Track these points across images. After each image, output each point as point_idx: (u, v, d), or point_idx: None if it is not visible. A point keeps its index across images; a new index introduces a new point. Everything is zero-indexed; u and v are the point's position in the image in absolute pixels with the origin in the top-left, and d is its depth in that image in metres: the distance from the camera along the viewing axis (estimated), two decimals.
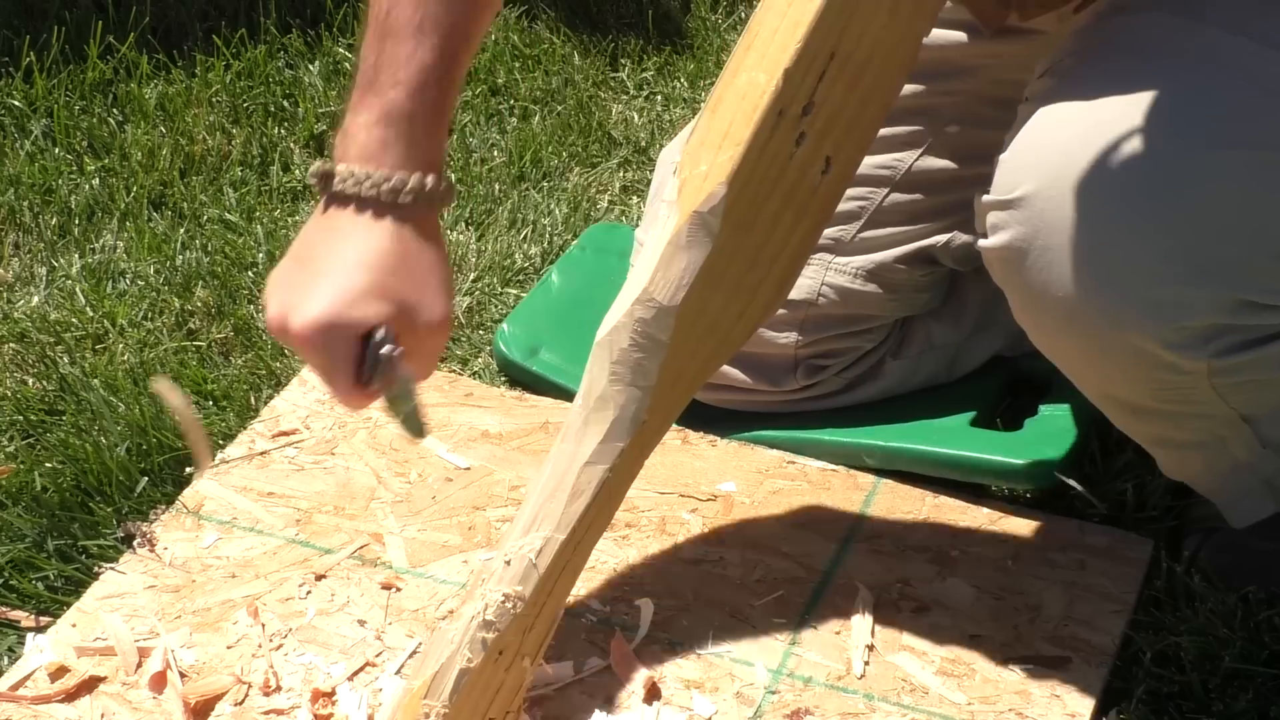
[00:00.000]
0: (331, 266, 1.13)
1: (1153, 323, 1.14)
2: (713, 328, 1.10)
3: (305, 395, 1.54)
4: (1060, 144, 1.14)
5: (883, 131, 1.43)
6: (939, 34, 1.42)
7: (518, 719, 1.14)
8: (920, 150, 1.45)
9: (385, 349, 1.13)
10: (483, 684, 1.09)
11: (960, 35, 1.42)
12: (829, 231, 1.44)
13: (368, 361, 1.14)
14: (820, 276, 1.45)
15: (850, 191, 1.44)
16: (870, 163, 1.44)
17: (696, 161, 1.06)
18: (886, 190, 1.45)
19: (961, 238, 1.45)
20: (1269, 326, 1.16)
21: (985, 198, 1.18)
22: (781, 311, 1.44)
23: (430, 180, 1.14)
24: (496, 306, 1.70)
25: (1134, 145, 1.12)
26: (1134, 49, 1.17)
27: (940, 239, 1.45)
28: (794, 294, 1.44)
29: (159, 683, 1.26)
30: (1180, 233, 1.11)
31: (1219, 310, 1.14)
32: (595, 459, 1.08)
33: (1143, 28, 1.18)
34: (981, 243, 1.20)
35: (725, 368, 1.47)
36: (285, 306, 1.14)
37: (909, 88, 1.43)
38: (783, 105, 1.04)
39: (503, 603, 1.08)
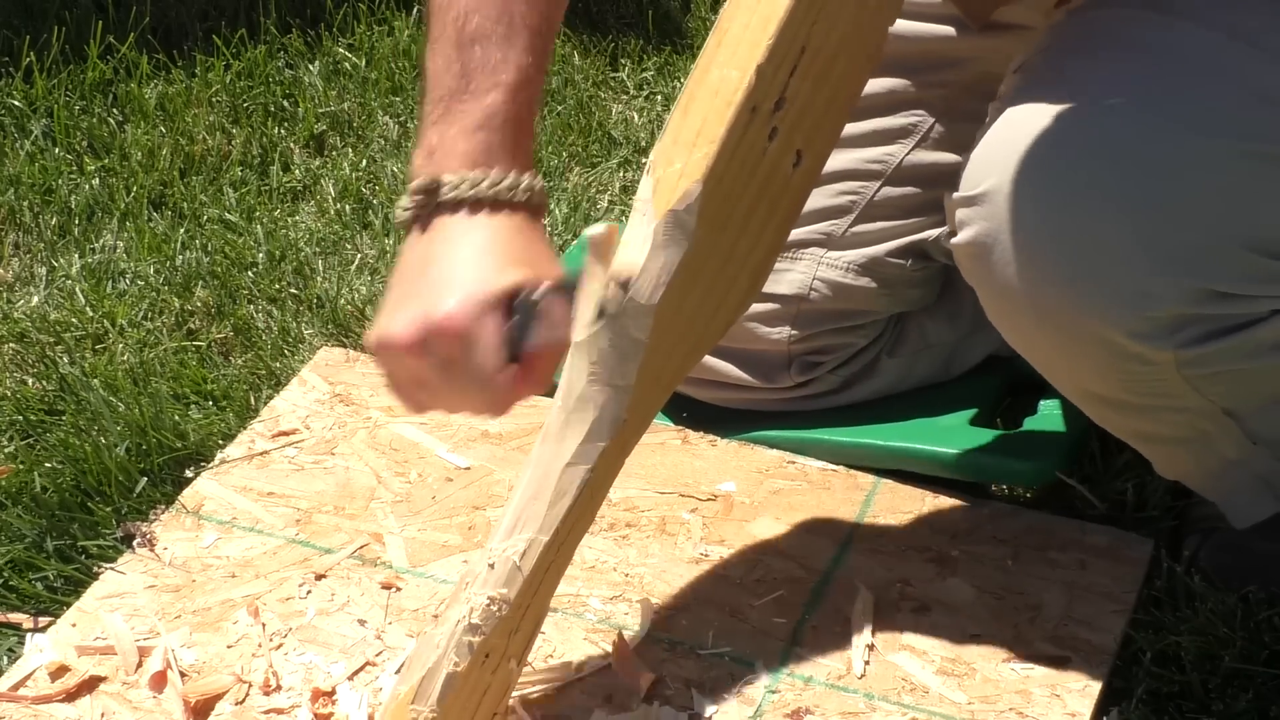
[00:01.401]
0: (457, 263, 1.08)
1: (1117, 313, 1.13)
2: (690, 325, 1.10)
3: (305, 395, 1.54)
4: (1023, 138, 1.14)
5: (874, 125, 1.44)
6: (926, 28, 1.42)
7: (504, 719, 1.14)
8: (911, 143, 1.45)
9: (538, 291, 1.08)
10: (470, 687, 1.09)
11: (948, 29, 1.43)
12: (821, 226, 1.44)
13: (518, 320, 1.09)
14: (812, 271, 1.45)
15: (842, 186, 1.44)
16: (862, 156, 1.44)
17: (670, 160, 1.05)
18: (878, 184, 1.45)
19: None
20: (1235, 316, 1.16)
21: (953, 195, 1.19)
22: (775, 306, 1.44)
23: (538, 181, 1.12)
24: None
25: (1096, 137, 1.12)
26: (1101, 43, 1.17)
27: (932, 233, 1.46)
28: (786, 289, 1.44)
29: (159, 682, 1.26)
30: (1143, 222, 1.11)
31: (1184, 300, 1.13)
32: (577, 460, 1.08)
33: (1111, 22, 1.18)
34: (952, 241, 1.20)
35: (720, 364, 1.47)
36: (420, 309, 1.08)
37: (899, 81, 1.43)
38: (755, 102, 1.04)
39: (488, 606, 1.07)
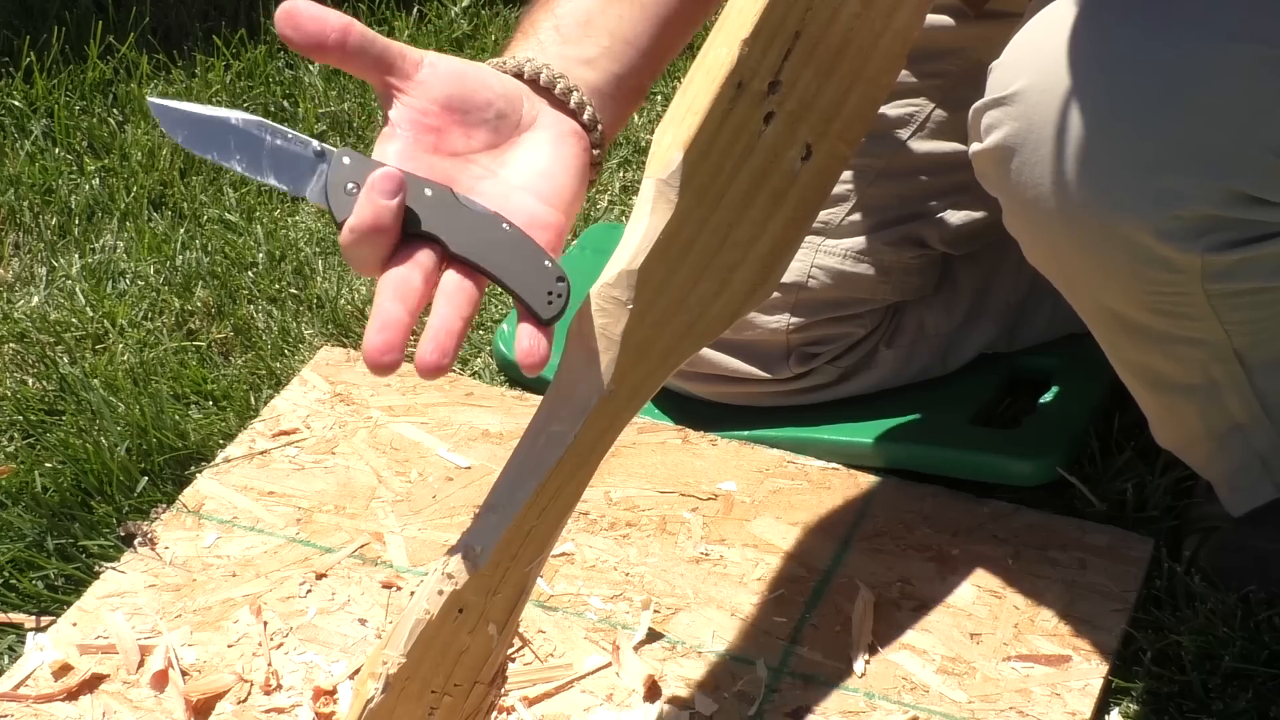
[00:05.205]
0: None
1: (1145, 211, 1.13)
2: (681, 302, 1.10)
3: (306, 395, 1.54)
4: (1054, 41, 1.14)
5: None
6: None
7: (489, 691, 1.13)
8: (909, 132, 1.45)
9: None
10: (443, 642, 1.08)
11: (945, 19, 1.44)
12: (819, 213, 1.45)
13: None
14: (810, 259, 1.46)
15: None
16: None
17: (663, 134, 1.08)
18: (875, 173, 1.46)
19: (950, 219, 1.46)
20: (1263, 225, 1.15)
21: (978, 104, 1.19)
22: (774, 294, 1.44)
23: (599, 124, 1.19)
24: (496, 306, 1.71)
25: (1128, 38, 1.12)
26: None
27: (929, 221, 1.46)
28: (785, 276, 1.44)
29: (160, 681, 1.26)
30: (1173, 121, 1.11)
31: (1212, 200, 1.13)
32: (560, 424, 1.09)
33: None
34: (974, 148, 1.19)
35: (719, 356, 1.48)
36: None
37: None
38: (741, 77, 1.06)
39: (460, 556, 1.08)
